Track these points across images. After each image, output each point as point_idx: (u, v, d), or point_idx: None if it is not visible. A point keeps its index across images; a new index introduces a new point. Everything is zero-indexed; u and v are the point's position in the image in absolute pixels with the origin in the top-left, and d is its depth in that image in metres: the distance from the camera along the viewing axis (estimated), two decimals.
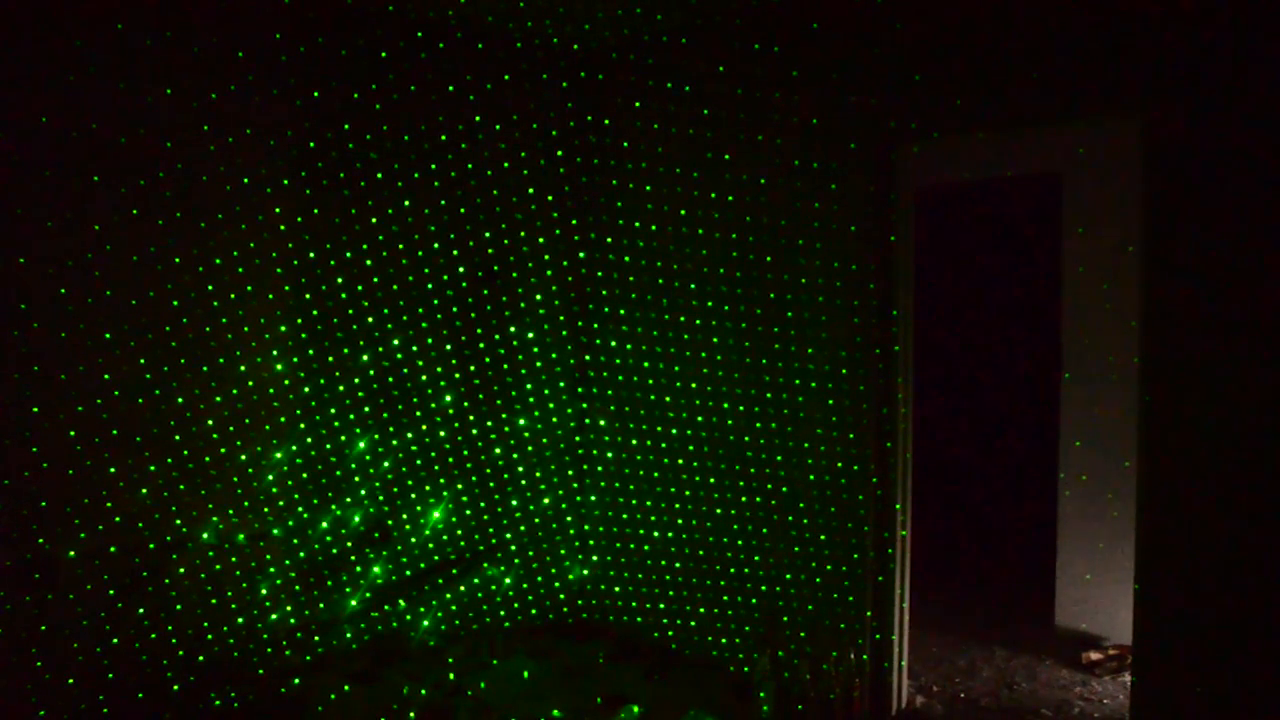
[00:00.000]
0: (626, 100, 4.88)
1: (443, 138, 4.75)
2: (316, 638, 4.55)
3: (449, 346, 4.86)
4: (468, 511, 4.99)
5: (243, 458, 4.30)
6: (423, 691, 4.26)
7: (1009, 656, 4.91)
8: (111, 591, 3.96)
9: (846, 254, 4.16)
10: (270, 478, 4.38)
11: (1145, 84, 3.31)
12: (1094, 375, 4.95)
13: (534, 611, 5.19)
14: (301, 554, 4.49)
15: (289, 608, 4.46)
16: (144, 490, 4.04)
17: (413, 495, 4.82)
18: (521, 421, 5.10)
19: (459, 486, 4.95)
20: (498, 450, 5.05)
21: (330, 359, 4.53)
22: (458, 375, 4.89)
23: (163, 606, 4.09)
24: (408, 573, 4.81)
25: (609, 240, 5.02)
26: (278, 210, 4.34)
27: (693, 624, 4.84)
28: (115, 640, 3.96)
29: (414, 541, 4.82)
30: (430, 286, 4.78)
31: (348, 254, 4.55)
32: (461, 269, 4.86)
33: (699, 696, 4.36)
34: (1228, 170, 3.16)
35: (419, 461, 4.82)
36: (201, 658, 4.19)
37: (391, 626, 4.76)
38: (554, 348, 5.17)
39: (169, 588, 4.11)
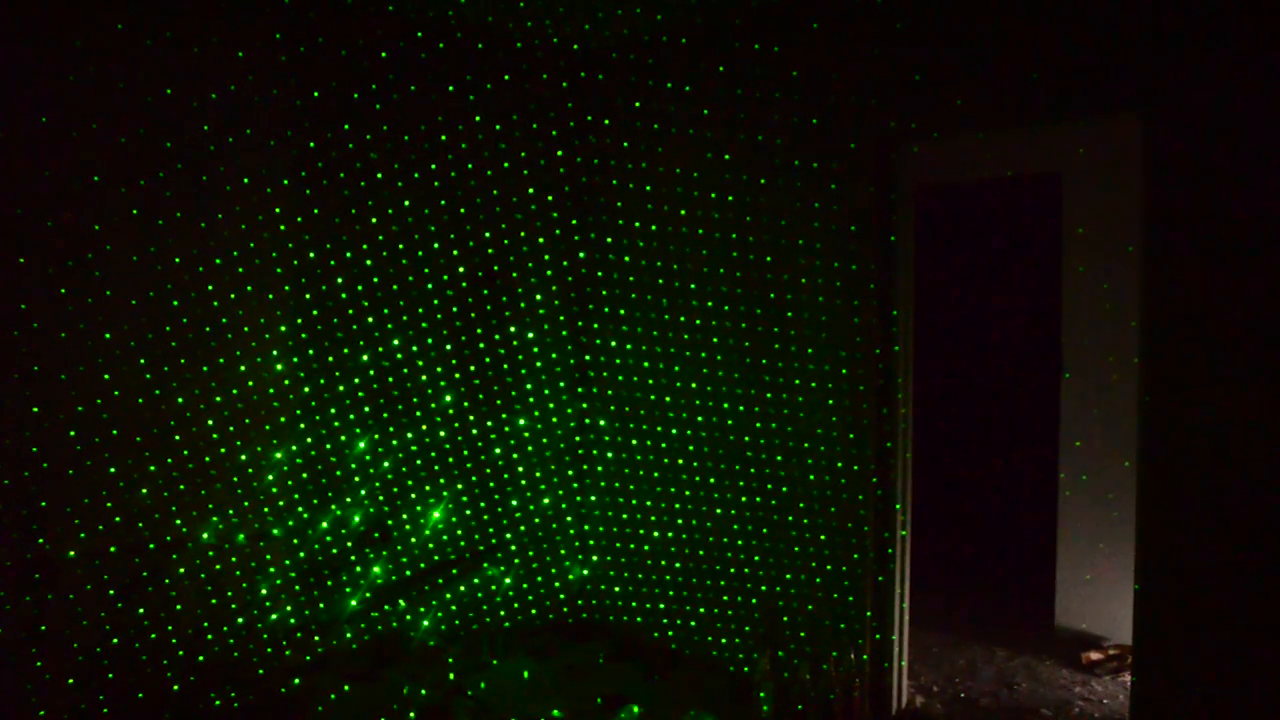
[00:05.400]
0: (626, 100, 4.88)
1: (443, 138, 4.75)
2: (316, 638, 4.54)
3: (449, 346, 4.86)
4: (468, 511, 4.99)
5: (243, 458, 4.30)
6: (423, 691, 4.26)
7: (1009, 656, 4.91)
8: (111, 591, 3.95)
9: (846, 254, 4.16)
10: (270, 478, 4.38)
11: (1145, 84, 3.31)
12: (1094, 375, 4.95)
13: (534, 611, 5.19)
14: (301, 554, 4.49)
15: (289, 608, 4.46)
16: (144, 490, 4.04)
17: (413, 495, 4.82)
18: (521, 421, 5.10)
19: (459, 486, 4.94)
20: (498, 450, 5.05)
21: (330, 359, 4.53)
22: (458, 375, 4.89)
23: (163, 606, 4.09)
24: (408, 573, 4.81)
25: (609, 240, 5.02)
26: (278, 210, 4.34)
27: (693, 624, 4.84)
28: (115, 640, 3.96)
29: (414, 541, 4.82)
30: (430, 286, 4.78)
31: (348, 254, 4.55)
32: (461, 269, 4.86)
33: (699, 696, 4.36)
34: (1228, 170, 3.16)
35: (419, 461, 4.82)
36: (201, 658, 4.19)
37: (391, 626, 4.76)
38: (554, 348, 5.16)
39: (169, 588, 4.11)
